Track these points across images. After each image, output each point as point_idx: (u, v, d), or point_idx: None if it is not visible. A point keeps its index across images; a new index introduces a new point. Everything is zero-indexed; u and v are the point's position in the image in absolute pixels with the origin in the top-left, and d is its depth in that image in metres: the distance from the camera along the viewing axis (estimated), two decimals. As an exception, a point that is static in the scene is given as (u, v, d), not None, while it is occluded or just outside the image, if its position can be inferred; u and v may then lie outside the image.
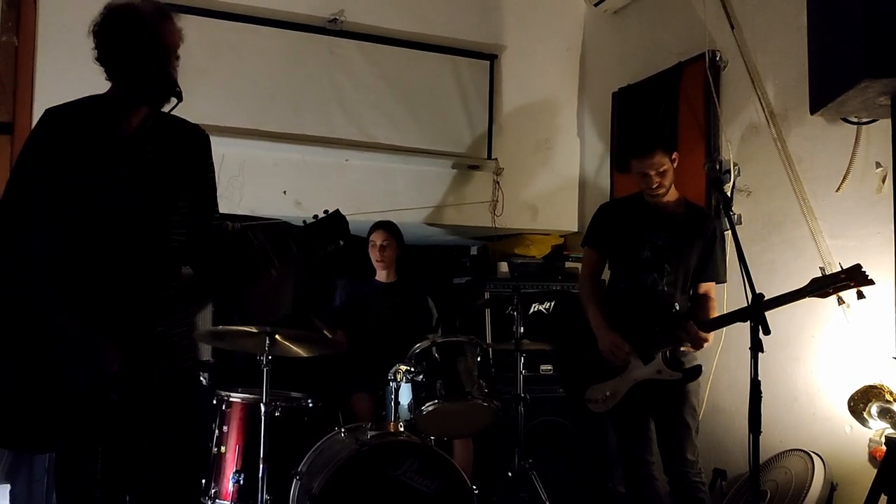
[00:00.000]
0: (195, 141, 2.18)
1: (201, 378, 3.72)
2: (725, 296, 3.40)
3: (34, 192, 1.98)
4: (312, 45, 4.40)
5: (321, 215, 2.00)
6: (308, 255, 1.99)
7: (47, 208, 1.97)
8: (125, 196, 2.01)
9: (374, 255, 3.97)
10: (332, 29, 4.43)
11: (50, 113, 2.05)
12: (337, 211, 1.98)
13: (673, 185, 3.06)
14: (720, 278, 3.11)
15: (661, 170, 2.98)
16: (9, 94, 3.27)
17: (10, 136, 3.27)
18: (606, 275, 3.30)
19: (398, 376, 3.21)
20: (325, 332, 3.70)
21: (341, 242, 1.97)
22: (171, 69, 2.01)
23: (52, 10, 3.84)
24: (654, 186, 3.00)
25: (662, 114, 4.15)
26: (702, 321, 2.90)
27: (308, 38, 4.39)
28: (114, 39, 1.99)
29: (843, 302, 3.09)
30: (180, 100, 2.01)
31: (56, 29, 3.84)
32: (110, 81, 2.06)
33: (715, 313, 3.04)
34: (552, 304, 4.39)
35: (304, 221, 2.00)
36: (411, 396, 3.23)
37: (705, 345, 2.89)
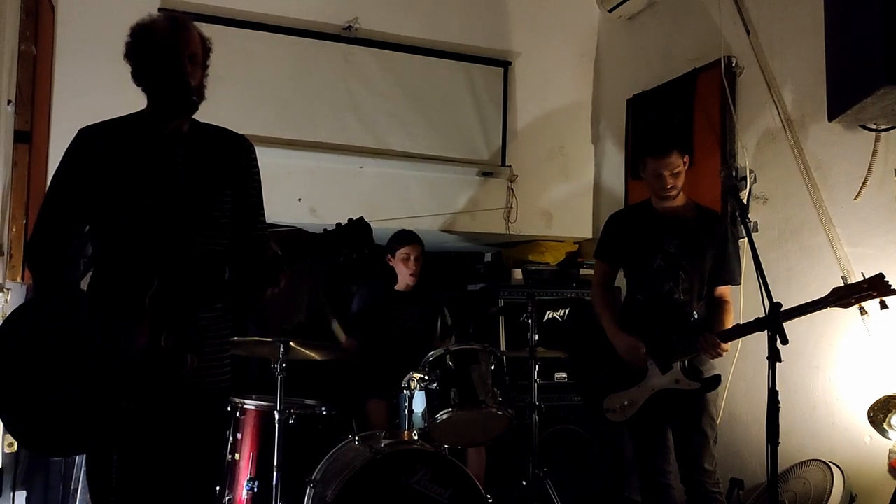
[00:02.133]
0: (236, 149, 2.20)
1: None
2: (742, 304, 3.35)
3: (68, 201, 2.07)
4: (327, 53, 4.42)
5: (340, 223, 2.00)
6: (326, 261, 1.99)
7: (79, 215, 2.07)
8: (154, 198, 2.05)
9: (407, 268, 3.94)
10: (347, 36, 4.44)
11: (84, 130, 2.12)
12: (361, 219, 1.98)
13: (682, 190, 3.04)
14: (735, 280, 3.08)
15: (676, 171, 2.97)
16: (27, 103, 3.30)
17: (28, 145, 3.30)
18: (620, 282, 3.28)
19: (412, 384, 3.20)
20: (340, 334, 3.71)
21: (366, 251, 1.97)
22: (186, 76, 2.02)
23: (69, 21, 3.88)
24: (668, 187, 2.98)
25: (677, 120, 4.13)
26: (720, 332, 2.86)
27: (323, 46, 4.41)
28: (135, 57, 2.06)
29: (865, 312, 3.05)
30: (190, 104, 2.04)
31: (73, 39, 3.87)
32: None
33: (731, 317, 3.01)
34: (567, 311, 4.37)
35: (325, 229, 1.99)
36: (425, 404, 3.22)
37: (724, 354, 2.86)
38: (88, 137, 2.10)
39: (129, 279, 2.00)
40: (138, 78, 2.08)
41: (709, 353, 2.85)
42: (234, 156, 2.20)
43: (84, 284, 2.16)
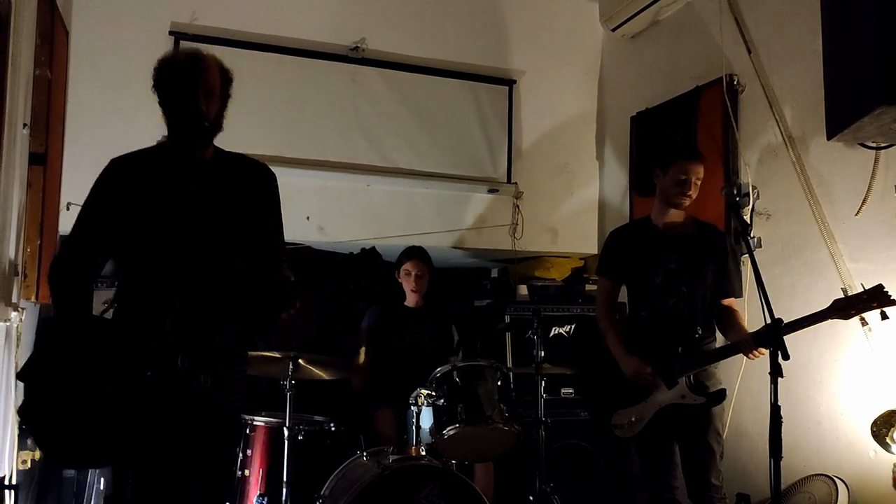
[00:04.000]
0: (258, 177, 2.30)
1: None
2: (746, 319, 3.38)
3: (95, 230, 2.19)
4: (335, 73, 4.49)
5: (345, 239, 2.11)
6: (344, 287, 2.10)
7: (104, 245, 2.20)
8: (177, 225, 2.14)
9: (408, 284, 4.00)
10: (354, 57, 4.52)
11: (113, 161, 2.23)
12: (373, 248, 2.09)
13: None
14: (737, 293, 3.10)
15: (697, 179, 3.00)
16: (42, 125, 3.36)
17: (43, 167, 3.36)
18: (624, 297, 3.31)
19: (419, 400, 3.23)
20: (359, 358, 3.77)
21: (375, 277, 2.09)
22: (198, 109, 2.11)
23: (83, 45, 3.97)
24: (688, 194, 2.99)
25: (680, 138, 4.17)
26: (753, 334, 2.81)
27: (330, 66, 4.48)
28: (158, 89, 2.17)
29: (867, 324, 3.08)
30: (201, 134, 2.14)
31: (87, 63, 3.97)
32: None
33: (744, 322, 3.02)
34: (572, 326, 4.40)
35: (336, 254, 2.10)
36: (433, 420, 3.25)
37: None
38: (116, 169, 2.21)
39: (152, 302, 2.08)
40: (162, 108, 2.18)
41: (751, 355, 2.80)
42: (256, 183, 2.29)
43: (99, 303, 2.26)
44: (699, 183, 3.01)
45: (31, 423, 2.06)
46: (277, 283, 2.15)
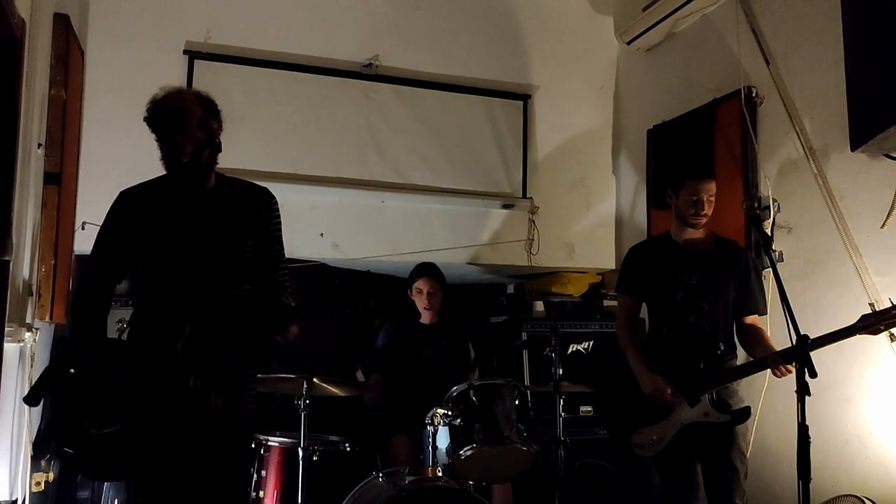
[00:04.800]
0: (257, 201, 2.41)
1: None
2: (770, 335, 3.31)
3: (107, 260, 2.34)
4: (348, 90, 4.48)
5: (359, 256, 2.16)
6: (338, 311, 2.20)
7: (116, 272, 2.36)
8: (183, 252, 2.26)
9: (420, 302, 3.96)
10: (368, 73, 4.51)
11: (122, 193, 2.38)
12: (368, 272, 2.23)
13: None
14: (761, 310, 3.06)
15: (711, 197, 2.98)
16: (57, 145, 3.37)
17: (57, 186, 3.37)
18: (644, 313, 3.26)
19: (435, 420, 3.18)
20: (359, 376, 3.72)
21: (371, 303, 2.17)
22: (176, 146, 2.23)
23: (98, 65, 4.00)
24: (702, 213, 2.98)
25: (697, 151, 4.13)
26: (775, 353, 2.76)
27: (344, 83, 4.47)
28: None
29: (895, 339, 3.00)
30: (182, 168, 2.24)
31: (102, 83, 3.99)
32: None
33: (769, 339, 2.95)
34: (591, 343, 4.34)
35: (336, 281, 2.22)
36: (449, 440, 3.19)
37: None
38: (124, 202, 2.35)
39: (163, 327, 2.18)
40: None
41: (778, 372, 2.75)
42: (255, 207, 2.39)
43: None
44: (713, 200, 2.98)
45: (59, 440, 2.26)
46: (274, 308, 2.27)
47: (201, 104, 2.28)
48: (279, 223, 2.45)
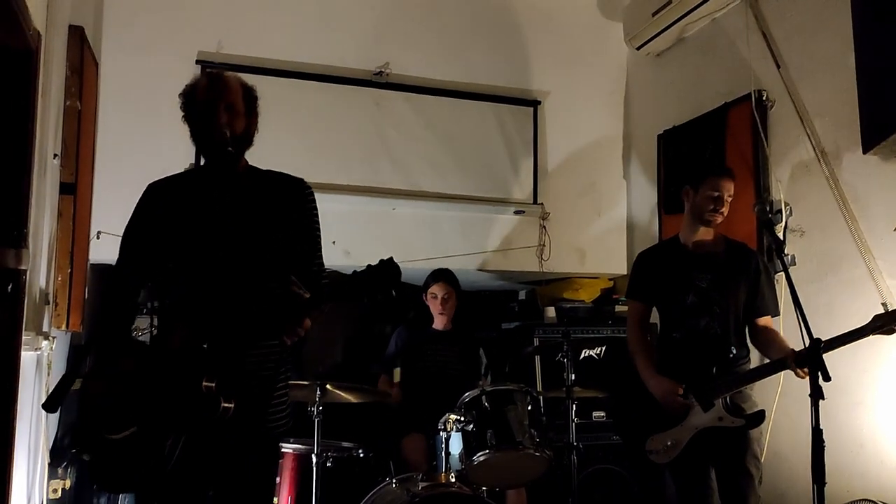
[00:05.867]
0: (292, 191, 2.28)
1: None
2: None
3: (135, 251, 2.24)
4: (359, 98, 4.51)
5: (370, 264, 2.02)
6: (356, 302, 2.03)
7: (145, 264, 2.23)
8: (210, 246, 2.15)
9: (435, 307, 3.99)
10: (378, 81, 4.54)
11: (151, 185, 2.30)
12: (390, 259, 1.98)
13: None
14: (774, 311, 3.03)
15: (730, 196, 2.98)
16: (72, 156, 3.42)
17: (73, 196, 3.41)
18: (655, 317, 3.25)
19: (448, 425, 3.19)
20: (385, 385, 3.76)
21: (393, 292, 1.96)
22: (219, 126, 2.13)
23: (112, 76, 4.05)
24: (721, 209, 2.97)
25: (709, 155, 4.12)
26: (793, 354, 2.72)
27: (355, 91, 4.50)
28: (185, 116, 2.22)
29: (908, 341, 2.98)
30: (223, 151, 2.15)
31: (116, 93, 4.04)
32: None
33: (783, 342, 2.93)
34: (603, 349, 4.33)
35: (354, 271, 2.00)
36: (462, 446, 3.20)
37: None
38: (152, 193, 2.27)
39: (189, 324, 2.07)
40: (191, 133, 2.22)
41: (802, 373, 2.68)
42: (290, 198, 2.26)
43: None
44: (730, 200, 2.98)
45: (83, 447, 2.10)
46: (287, 297, 2.04)
47: (244, 88, 2.24)
48: (316, 214, 2.30)
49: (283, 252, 2.19)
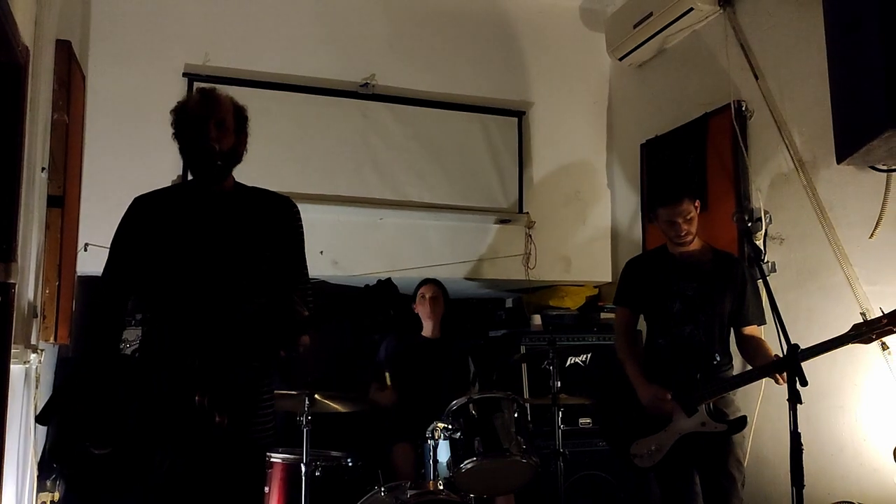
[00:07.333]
0: (278, 209, 2.32)
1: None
2: (764, 345, 3.36)
3: (121, 265, 2.25)
4: (345, 110, 4.54)
5: (368, 284, 2.06)
6: (358, 322, 2.07)
7: (131, 278, 2.23)
8: (197, 262, 2.18)
9: (423, 308, 4.03)
10: (364, 93, 4.57)
11: (137, 199, 2.30)
12: (388, 280, 2.05)
13: (697, 234, 3.08)
14: (761, 320, 3.09)
15: (689, 217, 3.02)
16: (60, 169, 3.43)
17: (60, 209, 3.42)
18: (643, 325, 3.30)
19: (436, 434, 3.22)
20: (375, 393, 3.78)
21: (391, 312, 2.04)
22: (208, 141, 2.17)
23: (100, 89, 4.05)
24: (683, 234, 3.02)
25: (691, 164, 4.19)
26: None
27: (341, 103, 4.53)
28: (175, 133, 2.25)
29: (887, 348, 3.05)
30: (213, 167, 2.19)
31: (103, 106, 4.05)
32: None
33: (769, 350, 2.98)
34: (588, 356, 4.37)
35: (365, 285, 2.05)
36: (449, 454, 3.22)
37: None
38: (138, 206, 2.27)
39: (176, 340, 2.10)
40: (180, 152, 2.25)
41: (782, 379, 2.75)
42: (277, 216, 2.30)
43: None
44: (691, 218, 3.02)
45: (60, 461, 2.13)
46: (287, 319, 2.11)
47: (234, 106, 2.27)
48: (301, 233, 2.36)
49: (270, 269, 2.22)
